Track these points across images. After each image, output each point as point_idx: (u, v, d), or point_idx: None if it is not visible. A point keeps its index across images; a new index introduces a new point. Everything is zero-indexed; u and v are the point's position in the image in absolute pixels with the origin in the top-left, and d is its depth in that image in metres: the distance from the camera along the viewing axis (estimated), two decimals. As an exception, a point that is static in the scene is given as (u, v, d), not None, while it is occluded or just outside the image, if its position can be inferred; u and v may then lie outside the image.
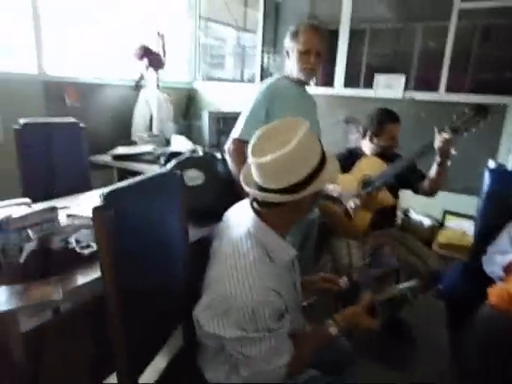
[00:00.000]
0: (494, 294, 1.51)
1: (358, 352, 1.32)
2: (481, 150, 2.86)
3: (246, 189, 0.98)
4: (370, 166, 2.04)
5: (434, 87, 3.24)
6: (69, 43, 3.10)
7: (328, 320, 1.07)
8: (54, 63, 2.95)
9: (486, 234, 1.84)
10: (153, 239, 1.09)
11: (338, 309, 1.16)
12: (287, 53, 1.70)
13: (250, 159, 0.94)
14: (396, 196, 2.09)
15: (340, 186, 2.02)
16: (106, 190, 0.92)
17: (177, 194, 1.24)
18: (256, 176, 0.95)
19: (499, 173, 2.03)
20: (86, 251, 1.16)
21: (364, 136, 2.10)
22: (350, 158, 2.12)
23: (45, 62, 2.87)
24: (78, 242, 1.22)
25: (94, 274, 1.09)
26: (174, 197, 1.23)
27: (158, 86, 3.50)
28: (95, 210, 0.90)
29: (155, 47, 3.51)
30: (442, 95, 3.16)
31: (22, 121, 1.89)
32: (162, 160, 2.08)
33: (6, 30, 2.68)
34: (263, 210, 0.99)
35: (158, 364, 1.17)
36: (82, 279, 1.09)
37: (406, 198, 2.89)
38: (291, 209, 0.95)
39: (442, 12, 3.11)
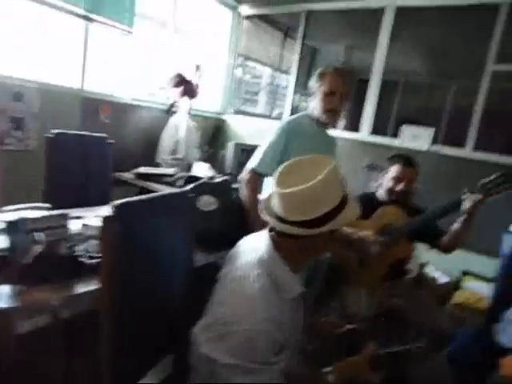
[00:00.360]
0: (506, 364, 1.41)
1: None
2: (506, 211, 2.77)
3: (265, 218, 0.99)
4: (390, 215, 2.00)
5: (461, 144, 3.21)
6: (111, 62, 3.29)
7: (328, 367, 1.04)
8: (95, 80, 3.13)
9: (504, 299, 1.75)
10: (157, 257, 1.10)
11: (340, 357, 1.11)
12: (313, 93, 1.75)
13: (274, 188, 0.96)
14: (411, 248, 2.03)
15: (358, 229, 1.99)
16: (117, 202, 0.95)
17: (187, 216, 1.26)
18: (277, 206, 0.97)
19: (520, 237, 1.96)
20: (91, 261, 1.17)
21: (379, 184, 2.08)
22: (365, 203, 2.09)
23: (86, 78, 3.05)
24: (86, 251, 1.23)
25: (96, 284, 1.10)
26: (184, 218, 1.25)
27: (189, 113, 3.63)
28: (104, 219, 0.92)
29: (192, 77, 3.67)
30: (468, 152, 3.12)
31: (55, 130, 1.99)
32: (181, 182, 2.12)
33: (59, 45, 2.89)
34: (279, 240, 0.99)
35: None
36: (82, 288, 1.09)
37: (424, 252, 2.81)
38: (307, 244, 0.96)
39: (474, 72, 3.13)
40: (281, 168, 1.00)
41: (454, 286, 3.06)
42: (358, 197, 2.16)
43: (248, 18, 4.53)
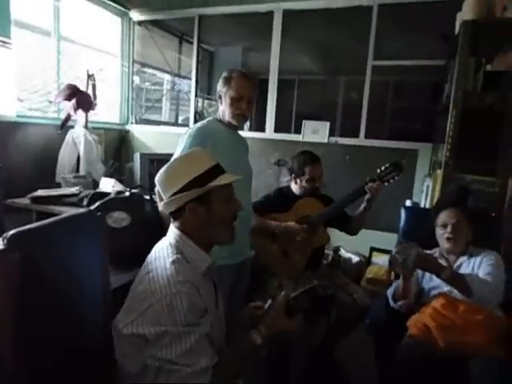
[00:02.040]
0: (411, 325, 1.59)
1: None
2: (400, 191, 3.12)
3: (159, 204, 1.12)
4: (308, 207, 2.12)
5: (356, 134, 3.53)
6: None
7: (251, 330, 1.06)
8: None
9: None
10: (67, 287, 1.01)
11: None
12: (220, 97, 1.76)
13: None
14: (327, 235, 2.19)
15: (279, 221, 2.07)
16: (10, 232, 0.85)
17: (96, 237, 1.17)
18: (161, 191, 1.09)
19: (412, 210, 2.22)
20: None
21: (290, 178, 2.19)
22: (281, 198, 2.19)
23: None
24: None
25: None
26: (93, 239, 1.16)
27: (86, 126, 3.39)
28: (-4, 254, 0.81)
29: (85, 88, 3.44)
30: (361, 141, 3.45)
31: None
32: (86, 201, 1.97)
33: None
34: (180, 223, 1.07)
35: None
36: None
37: (336, 236, 3.03)
38: (198, 218, 1.04)
39: (360, 67, 3.46)
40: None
41: (365, 263, 3.36)
42: (274, 192, 2.26)
43: (140, 23, 4.39)
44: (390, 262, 1.59)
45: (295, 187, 2.18)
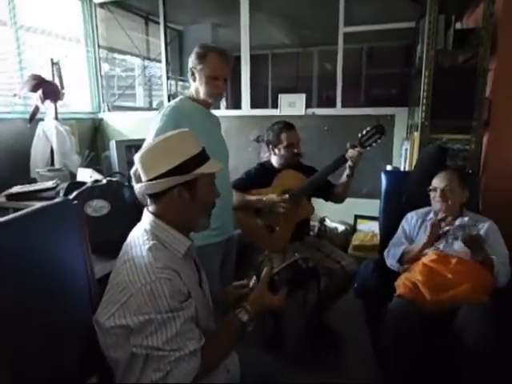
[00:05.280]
0: (399, 284, 1.63)
1: (286, 363, 1.32)
2: (380, 157, 3.15)
3: (135, 186, 1.07)
4: (290, 179, 2.11)
5: (332, 104, 3.52)
6: None
7: (238, 308, 1.07)
8: None
9: (388, 231, 2.01)
10: (48, 277, 0.98)
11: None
12: (193, 73, 1.69)
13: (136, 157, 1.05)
14: (311, 207, 2.19)
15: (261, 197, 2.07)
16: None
17: (75, 226, 1.14)
18: (140, 172, 1.05)
19: (393, 174, 2.24)
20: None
21: (267, 149, 2.18)
22: (263, 172, 2.18)
23: None
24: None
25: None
26: (71, 229, 1.13)
27: (57, 117, 3.27)
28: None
29: (51, 77, 3.30)
30: (338, 110, 3.44)
31: None
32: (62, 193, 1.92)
33: None
34: (156, 207, 1.04)
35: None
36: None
37: (321, 207, 3.05)
38: (182, 203, 1.01)
39: (332, 37, 3.42)
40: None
41: (351, 231, 3.41)
42: (255, 167, 2.24)
43: (102, 5, 4.20)
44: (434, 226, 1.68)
45: (275, 159, 2.17)
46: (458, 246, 1.67)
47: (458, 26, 2.48)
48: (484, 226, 1.74)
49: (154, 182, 0.99)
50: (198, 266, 1.16)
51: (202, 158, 1.04)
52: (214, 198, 1.09)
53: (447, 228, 1.64)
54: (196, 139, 1.07)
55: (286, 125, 2.14)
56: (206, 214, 1.09)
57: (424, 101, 2.24)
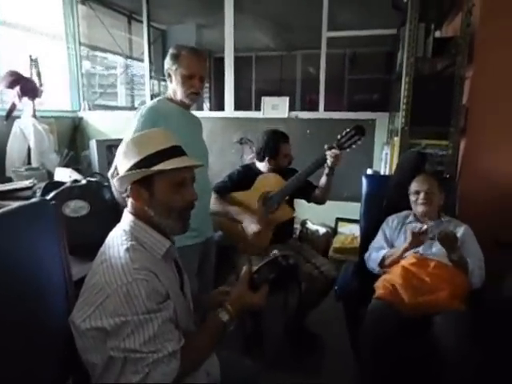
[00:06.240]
0: (379, 286, 1.66)
1: (266, 365, 1.32)
2: (361, 161, 3.20)
3: (112, 182, 1.07)
4: (269, 182, 2.12)
5: (315, 107, 3.56)
6: None
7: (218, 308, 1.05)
8: None
9: (368, 234, 2.04)
10: (23, 279, 0.95)
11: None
12: (169, 75, 1.68)
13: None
14: (292, 208, 2.20)
15: (241, 205, 2.07)
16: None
17: (52, 227, 1.12)
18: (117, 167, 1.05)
19: (373, 178, 2.28)
20: None
21: (262, 159, 2.17)
22: (246, 175, 2.18)
23: None
24: None
25: None
26: (49, 230, 1.10)
27: (35, 115, 3.19)
28: None
29: (29, 74, 3.21)
30: (321, 114, 3.48)
31: None
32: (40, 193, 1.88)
33: None
34: (130, 205, 1.03)
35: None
36: None
37: (303, 209, 3.07)
38: (142, 202, 0.99)
39: (316, 41, 3.46)
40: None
41: (332, 233, 3.44)
42: (238, 170, 2.24)
43: (83, 2, 4.13)
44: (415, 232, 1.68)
45: (265, 166, 2.18)
46: (436, 248, 1.71)
47: (438, 34, 2.54)
48: (460, 230, 1.78)
49: (119, 177, 0.99)
50: (180, 267, 1.14)
51: (167, 154, 0.98)
52: (187, 200, 1.02)
53: (425, 227, 1.66)
54: (169, 136, 1.04)
55: (284, 136, 2.17)
56: (173, 215, 1.01)
57: (404, 106, 2.29)
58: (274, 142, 2.13)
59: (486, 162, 2.27)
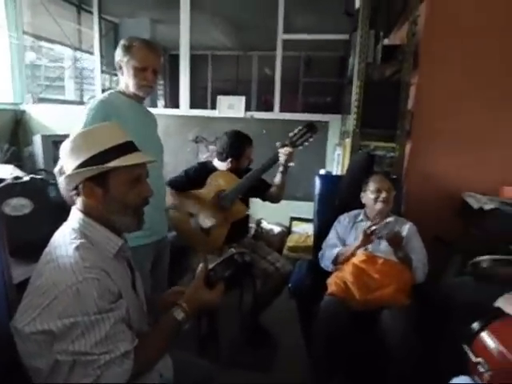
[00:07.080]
0: (331, 283, 1.71)
1: (220, 365, 1.31)
2: (314, 161, 3.29)
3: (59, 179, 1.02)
4: (223, 179, 2.11)
5: (271, 108, 3.61)
6: None
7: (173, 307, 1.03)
8: None
9: (321, 232, 2.10)
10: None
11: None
12: (120, 67, 1.62)
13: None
14: (247, 206, 2.21)
15: (196, 200, 2.05)
16: None
17: (-10, 226, 1.04)
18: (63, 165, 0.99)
19: (326, 178, 2.35)
20: None
21: (224, 159, 2.14)
22: (202, 172, 2.16)
23: None
24: None
25: None
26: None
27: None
28: None
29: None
30: (276, 114, 3.53)
31: None
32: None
33: None
34: (79, 203, 0.98)
35: None
36: None
37: (258, 209, 3.10)
38: (96, 200, 0.96)
39: (272, 43, 3.50)
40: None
41: (287, 232, 3.51)
42: (195, 167, 2.20)
43: (27, -11, 3.88)
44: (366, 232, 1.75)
45: (223, 165, 2.16)
46: (384, 245, 1.80)
47: (386, 41, 2.67)
48: (405, 228, 1.88)
49: (67, 175, 0.95)
50: (132, 266, 1.10)
51: (121, 150, 0.96)
52: (143, 196, 1.01)
53: (374, 227, 1.74)
54: (121, 131, 1.01)
55: (249, 140, 2.17)
56: (129, 212, 0.99)
57: (355, 110, 2.38)
58: (239, 144, 2.13)
59: (428, 164, 2.42)
